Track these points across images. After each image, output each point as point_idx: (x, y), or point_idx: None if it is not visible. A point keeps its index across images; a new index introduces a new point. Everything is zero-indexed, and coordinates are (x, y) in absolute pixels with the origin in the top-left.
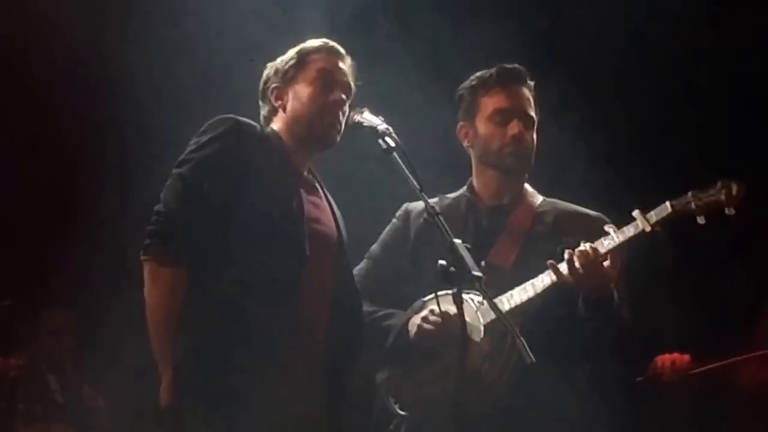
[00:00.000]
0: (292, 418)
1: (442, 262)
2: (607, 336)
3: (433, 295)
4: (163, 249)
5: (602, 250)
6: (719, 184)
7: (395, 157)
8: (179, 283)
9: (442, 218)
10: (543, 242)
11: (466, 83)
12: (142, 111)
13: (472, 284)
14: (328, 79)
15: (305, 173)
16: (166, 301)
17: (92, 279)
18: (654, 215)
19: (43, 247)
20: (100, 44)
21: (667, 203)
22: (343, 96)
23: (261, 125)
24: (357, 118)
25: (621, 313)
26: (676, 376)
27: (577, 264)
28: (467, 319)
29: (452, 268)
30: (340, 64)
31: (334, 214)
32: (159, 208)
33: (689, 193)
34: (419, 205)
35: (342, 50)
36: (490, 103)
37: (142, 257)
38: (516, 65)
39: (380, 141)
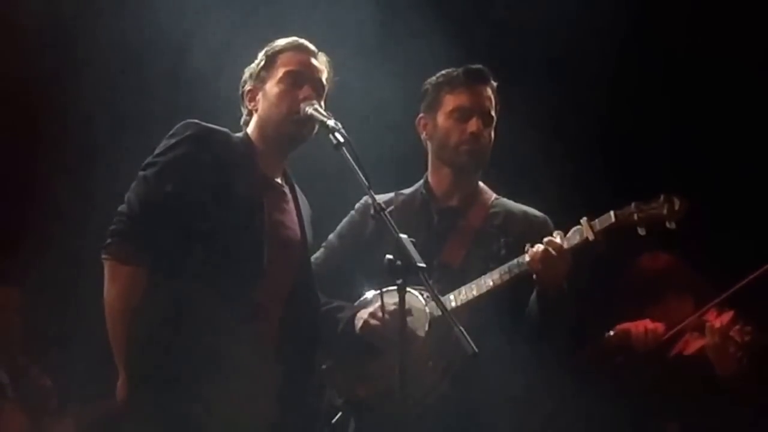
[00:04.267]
0: (245, 414)
1: (389, 256)
2: (556, 330)
3: (383, 290)
4: (123, 248)
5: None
6: (662, 197)
7: (344, 153)
8: (138, 281)
9: (388, 214)
10: (491, 242)
11: (432, 79)
12: (108, 106)
13: (419, 277)
14: (296, 77)
15: (276, 178)
16: (124, 298)
17: (42, 260)
18: (598, 224)
19: None
20: (67, 36)
21: (611, 213)
22: (313, 92)
23: (227, 131)
24: (309, 110)
25: (570, 309)
26: (652, 344)
27: (538, 256)
28: (414, 314)
29: (398, 262)
30: (312, 61)
31: (300, 217)
32: (122, 208)
33: (633, 205)
34: (380, 199)
35: (312, 47)
36: (452, 100)
37: (103, 256)
38: (481, 66)
39: (330, 136)
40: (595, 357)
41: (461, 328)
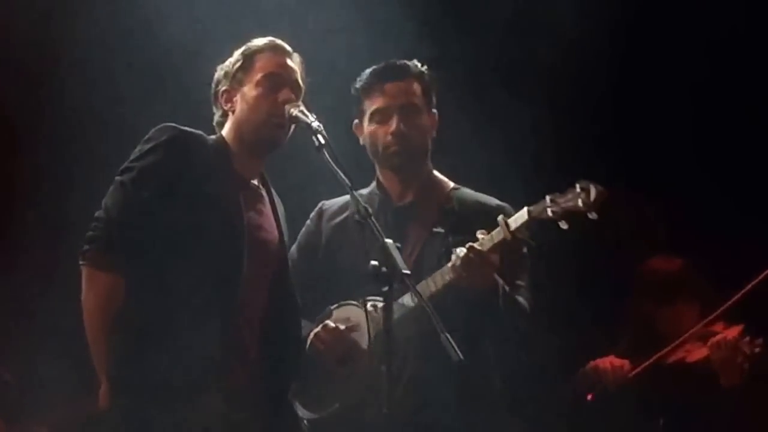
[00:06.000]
0: (228, 422)
1: (374, 262)
2: (507, 329)
3: (338, 305)
4: (100, 254)
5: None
6: (577, 187)
7: (325, 155)
8: (116, 288)
9: (373, 219)
10: (444, 240)
11: (355, 83)
12: (86, 107)
13: (403, 282)
14: (275, 79)
15: (253, 181)
16: (102, 305)
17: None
18: (513, 222)
19: None
20: (50, 36)
21: (525, 209)
22: (292, 94)
23: (203, 134)
24: (294, 112)
25: (513, 306)
26: (620, 381)
27: (459, 264)
28: (358, 329)
29: (384, 269)
30: (288, 62)
31: (278, 221)
32: (99, 214)
33: (546, 198)
34: (335, 204)
35: (288, 47)
36: (369, 104)
37: (80, 262)
38: (395, 62)
39: (313, 138)
40: (570, 395)
41: (447, 335)
